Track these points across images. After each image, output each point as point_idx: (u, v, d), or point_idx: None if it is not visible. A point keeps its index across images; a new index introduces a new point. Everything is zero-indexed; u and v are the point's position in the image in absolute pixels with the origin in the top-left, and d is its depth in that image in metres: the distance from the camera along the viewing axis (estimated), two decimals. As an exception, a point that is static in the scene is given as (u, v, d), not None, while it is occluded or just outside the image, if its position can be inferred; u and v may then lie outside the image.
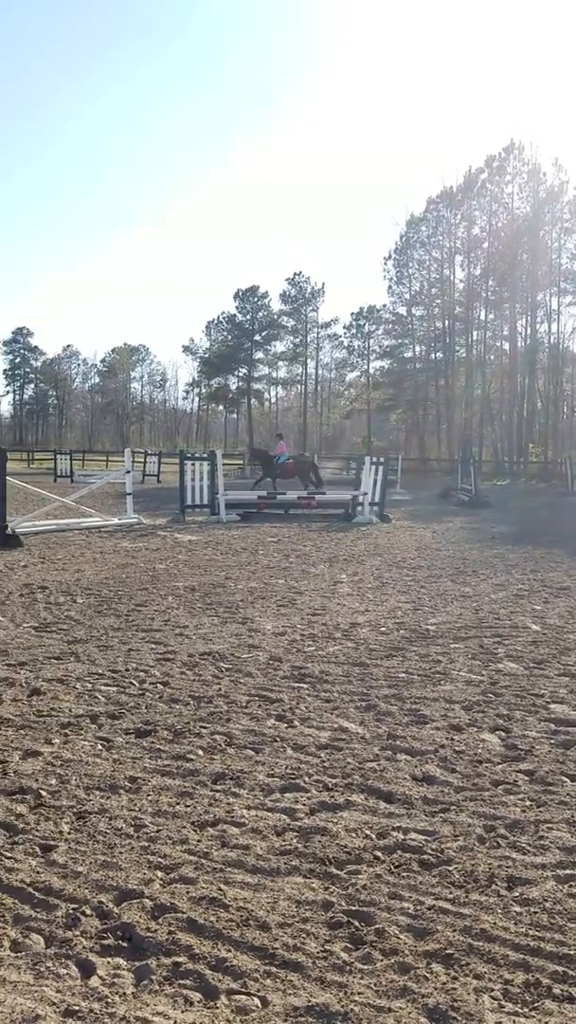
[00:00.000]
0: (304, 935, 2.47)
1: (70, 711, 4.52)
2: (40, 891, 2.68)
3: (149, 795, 3.43)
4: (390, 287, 68.24)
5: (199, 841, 3.03)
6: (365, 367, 78.30)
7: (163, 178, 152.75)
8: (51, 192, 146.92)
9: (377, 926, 2.52)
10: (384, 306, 72.22)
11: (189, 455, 18.52)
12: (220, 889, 2.70)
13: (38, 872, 2.80)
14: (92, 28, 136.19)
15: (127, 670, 5.34)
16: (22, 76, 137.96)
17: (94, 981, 2.26)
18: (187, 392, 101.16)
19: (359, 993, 2.22)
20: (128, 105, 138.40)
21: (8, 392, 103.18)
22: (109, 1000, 2.18)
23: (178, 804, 3.34)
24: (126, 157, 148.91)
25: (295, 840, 3.06)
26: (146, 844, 3.00)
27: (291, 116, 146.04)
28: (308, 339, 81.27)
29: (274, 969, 2.31)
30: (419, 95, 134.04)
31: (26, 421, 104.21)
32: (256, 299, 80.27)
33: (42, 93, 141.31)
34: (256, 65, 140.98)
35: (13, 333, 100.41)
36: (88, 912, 2.56)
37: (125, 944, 2.43)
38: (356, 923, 2.53)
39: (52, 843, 3.00)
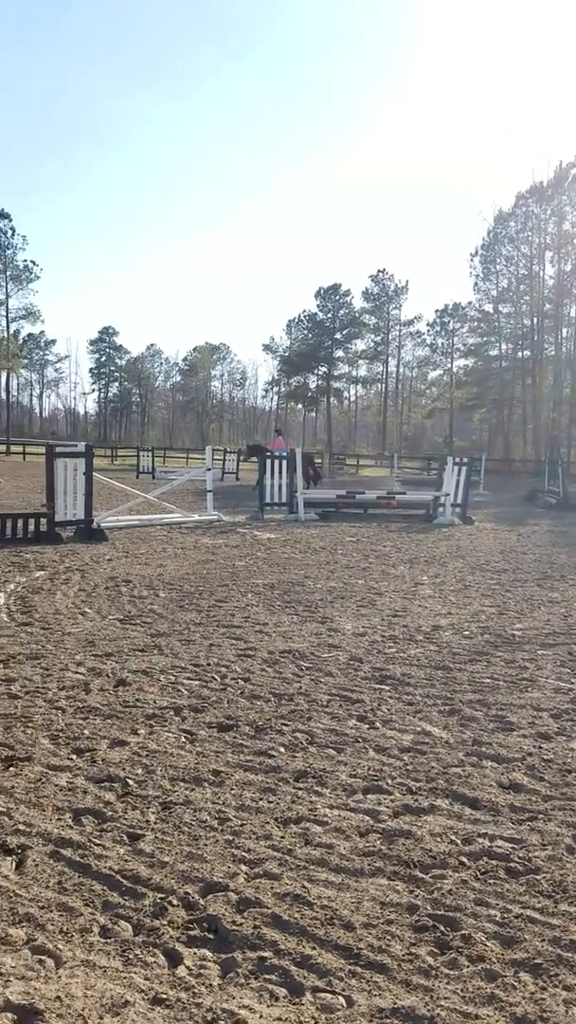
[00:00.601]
0: (389, 937, 2.45)
1: (154, 703, 4.61)
2: (128, 879, 2.73)
3: (232, 789, 3.46)
4: (476, 284, 67.12)
5: (282, 837, 3.04)
6: (448, 365, 77.44)
7: (249, 178, 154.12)
8: (136, 192, 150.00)
9: (463, 932, 2.49)
10: (469, 303, 71.18)
11: (269, 454, 18.61)
12: (304, 886, 2.70)
13: (126, 860, 2.86)
14: (180, 25, 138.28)
15: (208, 664, 5.41)
16: (101, 71, 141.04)
17: (181, 971, 2.29)
18: (266, 390, 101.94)
19: (445, 998, 2.19)
20: (210, 103, 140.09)
21: (94, 390, 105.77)
22: (196, 991, 2.21)
23: (261, 800, 3.37)
24: (209, 157, 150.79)
25: (379, 842, 3.04)
26: (230, 838, 3.03)
27: (375, 115, 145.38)
28: (390, 337, 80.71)
29: (359, 969, 2.30)
30: (506, 90, 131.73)
31: (110, 419, 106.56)
32: (338, 297, 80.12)
33: (122, 89, 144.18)
34: (342, 66, 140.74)
35: (100, 332, 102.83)
36: (175, 902, 2.60)
37: (211, 936, 2.46)
38: (442, 928, 2.51)
39: (139, 832, 3.06)
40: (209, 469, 16.68)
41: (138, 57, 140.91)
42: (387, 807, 3.34)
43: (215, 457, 24.11)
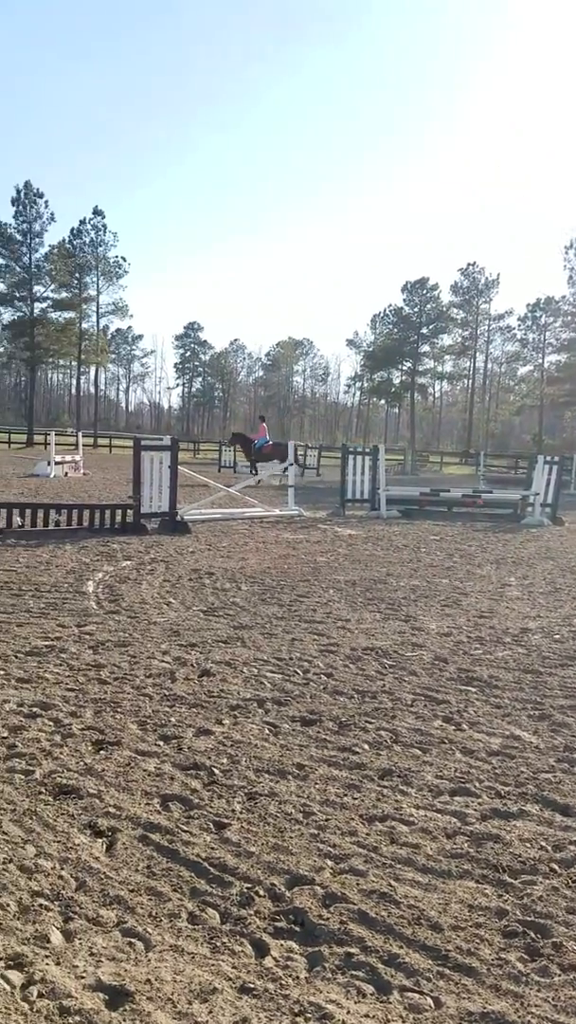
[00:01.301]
0: (478, 940, 2.41)
1: (238, 694, 4.65)
2: (215, 867, 2.76)
3: (316, 784, 3.46)
4: (571, 277, 65.29)
5: (368, 835, 3.03)
6: (539, 361, 75.52)
7: (335, 171, 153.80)
8: (223, 188, 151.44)
9: (554, 939, 2.43)
10: (563, 297, 69.26)
11: (352, 449, 18.54)
12: (391, 885, 2.68)
13: (212, 848, 2.89)
14: (273, 19, 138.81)
15: (291, 659, 5.43)
16: (197, 68, 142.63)
17: (268, 962, 2.31)
18: (349, 386, 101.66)
19: (536, 1006, 2.14)
20: (298, 102, 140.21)
21: (178, 384, 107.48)
22: (283, 982, 2.22)
23: (345, 796, 3.36)
24: (292, 157, 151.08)
25: (466, 844, 3.00)
26: (315, 832, 3.03)
27: (463, 108, 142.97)
28: (478, 332, 79.27)
29: (447, 971, 2.27)
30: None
31: (193, 413, 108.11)
32: (425, 291, 78.98)
33: (216, 85, 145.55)
34: (433, 60, 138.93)
35: (185, 328, 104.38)
36: (261, 893, 2.62)
37: (298, 928, 2.46)
38: (532, 934, 2.45)
39: (225, 821, 3.09)
40: (291, 464, 16.73)
41: (237, 50, 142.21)
42: (475, 810, 3.28)
43: (296, 453, 24.14)
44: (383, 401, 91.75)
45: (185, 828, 3.02)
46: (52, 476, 23.33)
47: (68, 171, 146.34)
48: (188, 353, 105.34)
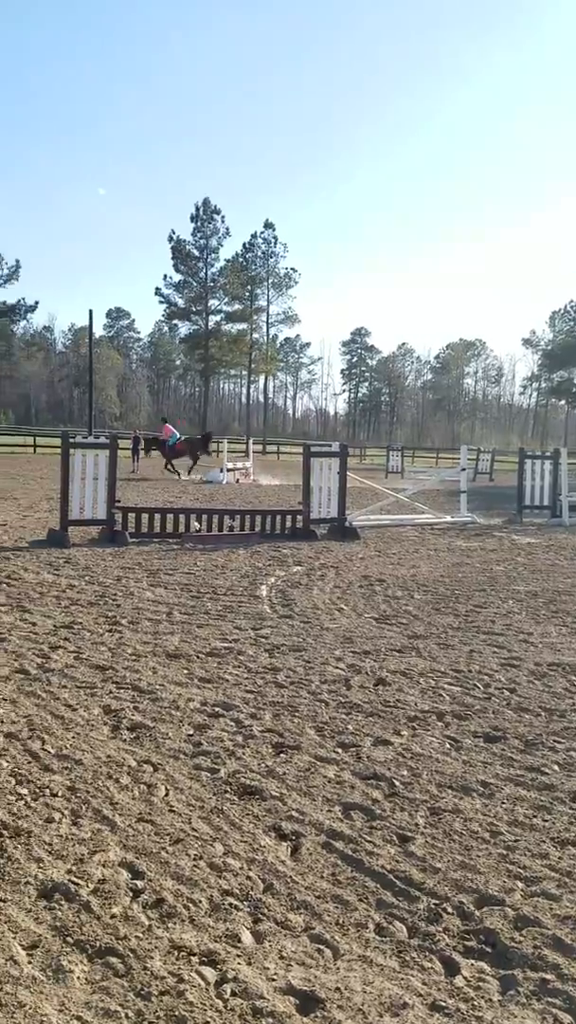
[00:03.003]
0: None
1: (415, 705, 4.59)
2: (400, 880, 2.74)
3: (503, 803, 3.36)
4: None
5: (560, 859, 2.90)
6: None
7: (503, 171, 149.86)
8: (390, 194, 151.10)
9: None
10: None
11: (530, 453, 17.92)
12: (586, 914, 2.56)
13: (397, 861, 2.86)
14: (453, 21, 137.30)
15: (470, 671, 5.30)
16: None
17: (459, 981, 2.26)
18: (524, 387, 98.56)
19: None
20: (472, 110, 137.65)
21: (344, 390, 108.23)
22: (475, 1003, 2.16)
23: (535, 817, 3.24)
24: (462, 160, 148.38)
25: None
26: (504, 852, 2.94)
27: None
28: None
29: None
30: None
31: (359, 418, 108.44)
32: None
33: (383, 96, 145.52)
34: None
35: (352, 334, 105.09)
36: (449, 910, 2.57)
37: (488, 949, 2.40)
38: None
39: (408, 834, 3.06)
40: (464, 469, 16.40)
41: (397, 63, 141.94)
42: None
43: (469, 457, 23.65)
44: (563, 402, 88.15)
45: (368, 838, 3.02)
46: (224, 482, 24.11)
47: (240, 185, 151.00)
48: (355, 359, 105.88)
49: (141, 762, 3.67)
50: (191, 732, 4.08)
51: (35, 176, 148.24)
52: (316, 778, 3.55)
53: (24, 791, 3.32)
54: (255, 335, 67.33)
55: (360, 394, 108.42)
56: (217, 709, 4.42)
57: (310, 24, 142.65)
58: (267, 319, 70.55)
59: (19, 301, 55.23)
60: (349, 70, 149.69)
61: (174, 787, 3.42)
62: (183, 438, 27.11)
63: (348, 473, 12.84)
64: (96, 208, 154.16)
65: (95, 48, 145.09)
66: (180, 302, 61.84)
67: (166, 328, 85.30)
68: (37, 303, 64.32)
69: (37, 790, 3.34)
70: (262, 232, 66.73)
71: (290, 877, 2.74)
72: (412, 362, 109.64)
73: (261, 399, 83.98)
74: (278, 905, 2.59)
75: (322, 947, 2.39)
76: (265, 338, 71.32)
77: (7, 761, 3.62)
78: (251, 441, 32.64)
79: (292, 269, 69.65)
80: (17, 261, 53.94)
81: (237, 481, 25.36)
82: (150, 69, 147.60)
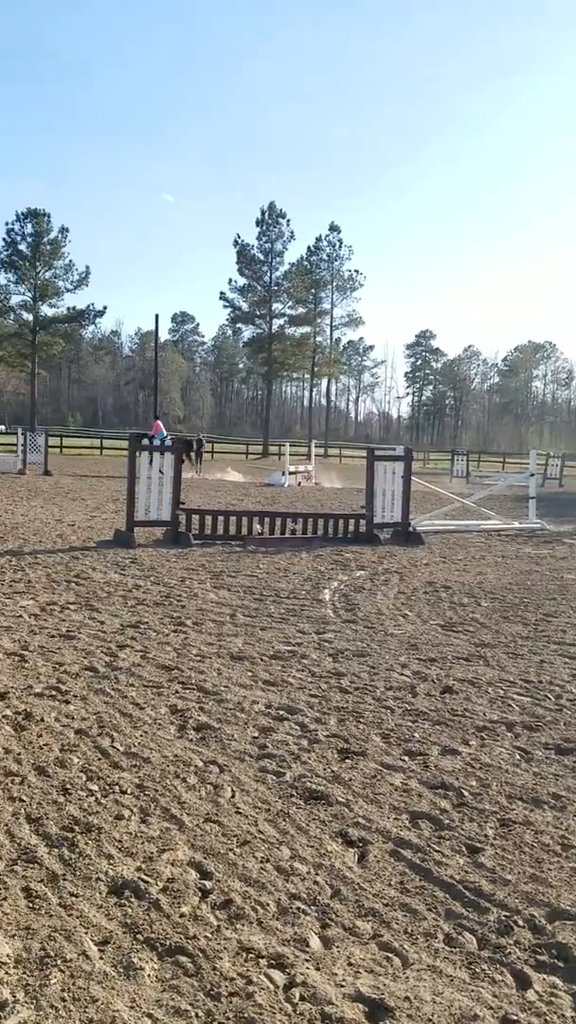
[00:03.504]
0: None
1: (483, 715, 4.53)
2: (470, 891, 2.70)
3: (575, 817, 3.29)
4: None
5: None
6: None
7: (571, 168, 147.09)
8: (458, 195, 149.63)
9: None
10: None
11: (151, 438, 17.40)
12: None
13: (466, 871, 2.83)
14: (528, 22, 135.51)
15: (540, 682, 5.20)
16: (427, 94, 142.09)
17: (531, 995, 2.22)
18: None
19: None
20: (542, 107, 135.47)
21: (408, 394, 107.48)
22: (548, 1018, 2.12)
23: (609, 833, 3.16)
24: (537, 161, 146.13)
25: None
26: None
27: None
28: None
29: None
30: None
31: (423, 422, 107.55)
32: None
33: (454, 96, 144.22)
34: None
35: (416, 336, 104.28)
36: (520, 923, 2.52)
37: (561, 964, 2.35)
38: None
39: (478, 845, 3.02)
40: (533, 475, 16.13)
41: (467, 59, 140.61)
42: None
43: (538, 462, 23.31)
44: None
45: (436, 848, 2.99)
46: (286, 485, 24.19)
47: (306, 190, 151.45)
48: (419, 361, 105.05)
49: (207, 763, 3.70)
50: (256, 734, 4.09)
51: (104, 183, 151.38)
52: (382, 785, 3.53)
53: (94, 787, 3.38)
54: (318, 338, 67.33)
55: (424, 397, 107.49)
56: (282, 712, 4.43)
57: (378, 26, 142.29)
58: (331, 322, 70.47)
59: (88, 306, 56.31)
60: (421, 68, 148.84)
61: (240, 789, 3.44)
62: (170, 438, 27.53)
63: (412, 477, 12.75)
64: (163, 214, 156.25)
65: (163, 55, 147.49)
66: (244, 306, 62.25)
67: (230, 332, 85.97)
68: (105, 308, 65.59)
69: (107, 787, 3.40)
70: (327, 235, 66.76)
71: (357, 884, 2.73)
72: (478, 365, 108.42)
73: (323, 402, 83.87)
74: (346, 911, 2.58)
75: (391, 955, 2.37)
76: (328, 341, 71.27)
77: (78, 757, 3.69)
78: (313, 444, 32.67)
79: (356, 271, 69.40)
80: (87, 267, 54.86)
81: (299, 484, 25.42)
82: (219, 75, 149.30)
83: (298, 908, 2.57)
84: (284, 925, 2.49)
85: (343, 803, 3.33)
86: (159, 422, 28.62)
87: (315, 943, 2.41)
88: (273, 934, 2.44)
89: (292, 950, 2.36)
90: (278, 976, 2.25)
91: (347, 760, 3.81)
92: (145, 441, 11.92)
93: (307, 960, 2.33)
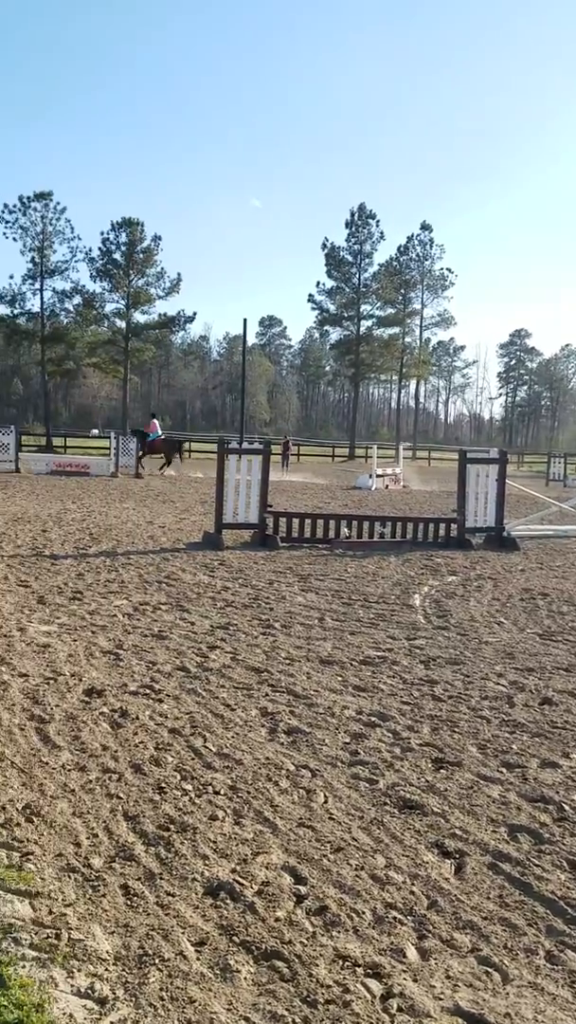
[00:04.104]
0: None
1: (583, 726, 4.39)
2: (572, 908, 2.62)
3: None
4: None
5: None
6: None
7: None
8: (558, 192, 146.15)
9: None
10: None
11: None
12: None
13: (568, 887, 2.74)
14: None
15: None
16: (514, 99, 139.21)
17: None
18: None
19: None
20: None
21: (501, 394, 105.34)
22: None
23: None
24: None
25: None
26: None
27: None
28: None
29: None
30: None
31: (516, 423, 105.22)
32: None
33: (552, 99, 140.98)
34: None
35: (511, 336, 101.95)
36: (627, 947, 2.43)
37: None
38: None
39: (580, 862, 2.92)
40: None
41: (561, 68, 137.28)
42: None
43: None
44: None
45: (537, 862, 2.90)
46: (373, 488, 24.04)
47: (396, 194, 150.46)
48: (513, 361, 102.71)
49: (299, 767, 3.70)
50: (347, 740, 4.07)
51: (193, 190, 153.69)
52: (479, 797, 3.46)
53: (188, 787, 3.42)
54: (407, 339, 66.68)
55: (518, 398, 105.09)
56: (373, 719, 4.40)
57: (470, 34, 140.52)
58: (420, 322, 69.74)
59: (179, 312, 57.26)
60: (515, 74, 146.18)
61: (333, 794, 3.42)
62: (163, 437, 27.62)
63: (509, 481, 12.46)
64: (250, 219, 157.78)
65: (250, 63, 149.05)
66: (332, 308, 62.18)
67: (317, 334, 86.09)
68: (195, 314, 66.55)
69: (201, 787, 3.43)
70: (418, 234, 66.18)
71: (455, 896, 2.68)
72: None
73: (412, 404, 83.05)
74: (443, 923, 2.53)
75: (490, 970, 2.31)
76: (418, 342, 70.50)
77: (172, 756, 3.74)
78: (402, 447, 32.39)
79: (448, 270, 68.59)
80: (179, 274, 55.83)
81: (387, 487, 25.21)
82: (305, 81, 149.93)
83: (394, 918, 2.54)
84: (380, 934, 2.46)
85: (439, 813, 3.28)
86: (155, 421, 29.00)
87: (412, 954, 2.37)
88: (369, 943, 2.41)
89: (389, 960, 2.33)
90: (375, 986, 2.22)
91: (442, 770, 3.75)
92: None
93: (404, 971, 2.29)
